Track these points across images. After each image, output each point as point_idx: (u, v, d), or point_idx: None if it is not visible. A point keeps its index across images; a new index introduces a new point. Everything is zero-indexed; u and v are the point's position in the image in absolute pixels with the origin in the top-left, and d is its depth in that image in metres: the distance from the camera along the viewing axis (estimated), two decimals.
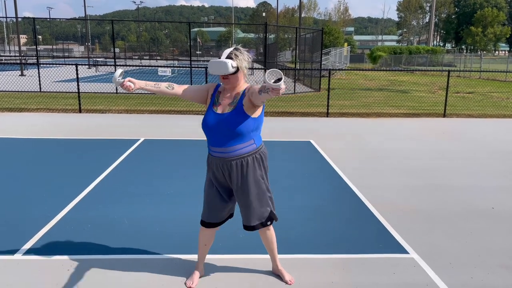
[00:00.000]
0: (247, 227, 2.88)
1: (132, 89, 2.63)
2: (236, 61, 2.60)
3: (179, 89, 2.78)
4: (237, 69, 2.63)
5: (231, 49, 2.66)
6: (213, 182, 2.84)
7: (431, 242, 3.73)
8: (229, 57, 2.60)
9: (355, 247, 3.59)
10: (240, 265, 3.26)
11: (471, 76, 29.09)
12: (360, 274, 3.17)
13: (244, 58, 2.65)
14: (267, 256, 3.27)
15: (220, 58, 2.61)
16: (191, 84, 15.52)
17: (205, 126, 2.73)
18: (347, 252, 3.49)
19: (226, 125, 2.63)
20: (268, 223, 2.89)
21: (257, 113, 2.68)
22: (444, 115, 11.41)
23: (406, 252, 3.52)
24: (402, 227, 4.02)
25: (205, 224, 2.92)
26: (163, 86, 2.75)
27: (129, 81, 2.61)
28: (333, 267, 3.26)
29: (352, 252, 3.50)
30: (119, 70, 2.62)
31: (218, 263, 3.29)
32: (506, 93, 18.44)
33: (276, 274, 3.13)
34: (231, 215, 3.00)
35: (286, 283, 3.02)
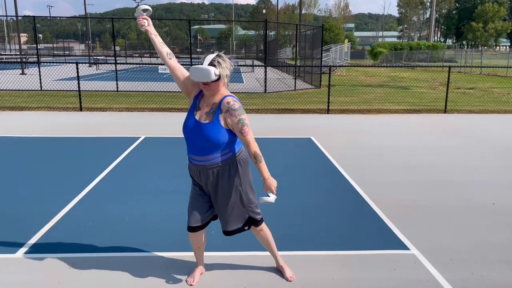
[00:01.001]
0: (224, 232, 2.89)
1: (143, 26, 2.70)
2: (218, 68, 2.54)
3: (175, 64, 2.76)
4: (219, 77, 2.57)
5: (213, 55, 2.59)
6: (192, 187, 2.87)
7: (432, 238, 3.73)
8: (211, 64, 2.53)
9: (355, 244, 3.59)
10: (240, 262, 3.27)
11: (472, 72, 29.03)
12: (360, 270, 3.18)
13: (227, 66, 2.58)
14: (267, 253, 3.28)
15: (202, 64, 2.54)
16: None
17: (184, 131, 2.71)
18: (347, 249, 3.50)
19: (203, 135, 2.61)
20: (246, 227, 2.90)
21: None
22: (445, 111, 11.40)
23: (407, 248, 3.53)
24: (402, 223, 4.03)
25: (191, 228, 2.87)
26: (165, 50, 2.74)
27: (147, 20, 2.71)
28: (333, 263, 3.27)
29: (353, 248, 3.51)
30: (147, 6, 2.71)
31: (218, 260, 3.30)
32: (507, 88, 18.41)
33: (278, 270, 3.14)
34: (215, 217, 2.96)
35: (287, 279, 3.03)
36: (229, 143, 2.68)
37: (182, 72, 2.77)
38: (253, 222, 2.90)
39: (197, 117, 2.66)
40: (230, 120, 2.58)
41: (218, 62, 2.55)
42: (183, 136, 2.75)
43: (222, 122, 2.61)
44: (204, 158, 2.67)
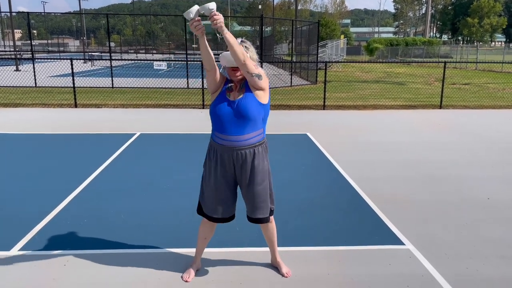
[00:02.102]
0: (252, 219, 2.88)
1: (200, 32, 2.51)
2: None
3: (216, 68, 2.73)
4: None
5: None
6: (219, 175, 2.77)
7: (427, 233, 3.75)
8: None
9: (351, 239, 3.60)
10: (236, 258, 3.27)
11: (467, 67, 29.11)
12: (356, 265, 3.19)
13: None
14: (264, 249, 3.29)
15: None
16: (188, 78, 15.44)
17: (219, 113, 2.67)
18: (343, 244, 3.51)
19: (239, 111, 2.64)
20: (270, 216, 2.92)
21: (263, 99, 2.71)
22: (440, 107, 11.43)
23: (402, 244, 3.54)
24: (398, 219, 4.04)
25: (214, 219, 2.88)
26: (212, 55, 2.67)
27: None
28: (329, 259, 3.28)
29: (348, 244, 3.52)
30: (196, 7, 2.49)
31: (214, 256, 3.30)
32: (502, 84, 18.47)
33: (274, 266, 3.14)
34: (232, 216, 2.95)
35: (283, 275, 3.03)
36: (263, 122, 2.75)
37: (218, 73, 2.76)
38: (272, 211, 2.93)
39: (231, 98, 2.69)
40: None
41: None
42: (213, 118, 2.72)
43: (252, 90, 2.68)
44: (241, 137, 2.67)
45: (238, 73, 2.68)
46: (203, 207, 2.90)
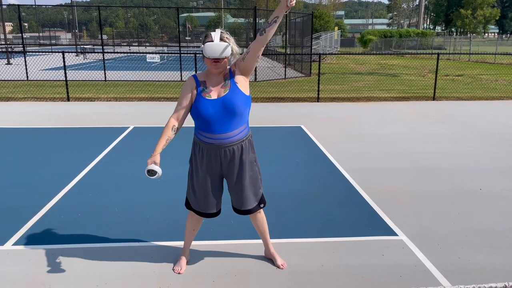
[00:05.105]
0: (245, 211, 2.87)
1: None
2: (231, 44, 2.58)
3: (180, 121, 2.78)
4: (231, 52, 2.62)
5: (218, 31, 2.58)
6: (206, 172, 2.75)
7: (420, 224, 3.78)
8: (222, 39, 2.54)
9: (345, 231, 3.62)
10: (231, 250, 3.28)
11: (461, 59, 29.19)
12: (349, 256, 3.21)
13: (234, 42, 2.63)
14: (259, 241, 3.29)
15: (213, 40, 2.52)
16: (181, 70, 15.34)
17: (203, 114, 2.61)
18: (337, 236, 3.53)
19: (227, 107, 2.59)
20: (262, 205, 2.92)
21: (247, 90, 2.69)
22: (433, 98, 11.47)
23: (395, 234, 3.57)
24: (391, 210, 4.07)
25: (204, 214, 2.88)
26: (171, 135, 2.76)
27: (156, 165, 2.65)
28: (323, 250, 3.29)
29: (342, 235, 3.54)
30: (158, 172, 2.62)
31: (208, 249, 3.30)
32: (495, 75, 18.56)
33: (268, 258, 3.15)
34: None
35: (278, 267, 3.04)
36: (247, 115, 2.71)
37: (185, 108, 2.73)
38: (262, 200, 2.93)
39: (213, 97, 2.62)
40: (243, 62, 2.64)
41: (227, 38, 2.57)
42: (196, 119, 2.68)
43: (238, 85, 2.63)
44: (228, 134, 2.64)
45: (219, 65, 2.59)
46: (191, 202, 2.90)
